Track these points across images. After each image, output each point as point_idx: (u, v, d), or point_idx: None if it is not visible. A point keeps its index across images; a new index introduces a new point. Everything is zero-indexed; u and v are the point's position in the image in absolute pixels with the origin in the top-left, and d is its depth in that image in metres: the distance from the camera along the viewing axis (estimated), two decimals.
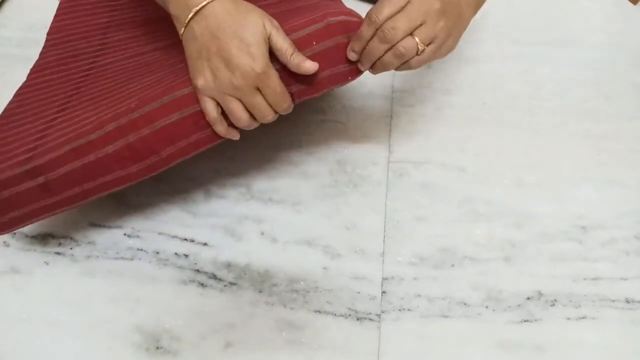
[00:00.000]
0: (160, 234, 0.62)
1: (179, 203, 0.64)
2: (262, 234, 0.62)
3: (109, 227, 0.63)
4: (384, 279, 0.59)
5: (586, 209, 0.63)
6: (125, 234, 0.62)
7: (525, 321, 0.57)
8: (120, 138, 0.54)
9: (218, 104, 0.52)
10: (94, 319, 0.57)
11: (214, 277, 0.59)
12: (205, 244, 0.62)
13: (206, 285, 0.59)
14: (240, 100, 0.51)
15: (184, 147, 0.55)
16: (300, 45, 0.53)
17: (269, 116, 0.53)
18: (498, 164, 0.67)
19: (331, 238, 0.62)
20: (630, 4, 0.85)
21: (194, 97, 0.53)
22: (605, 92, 0.74)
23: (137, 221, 0.63)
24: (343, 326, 0.56)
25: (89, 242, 0.62)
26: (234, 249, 0.61)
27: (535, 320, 0.57)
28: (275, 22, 0.52)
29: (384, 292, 0.58)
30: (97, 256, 0.61)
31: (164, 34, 0.64)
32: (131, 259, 0.61)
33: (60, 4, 0.73)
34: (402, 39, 0.51)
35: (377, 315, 0.57)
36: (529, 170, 0.67)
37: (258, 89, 0.51)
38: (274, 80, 0.51)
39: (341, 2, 0.61)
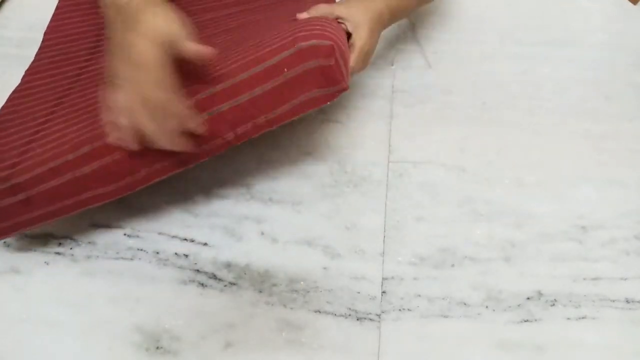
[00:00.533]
0: (160, 234, 0.62)
1: (179, 203, 0.64)
2: (262, 234, 0.62)
3: (109, 227, 0.63)
4: (384, 279, 0.59)
5: (586, 209, 0.64)
6: (125, 234, 0.62)
7: (525, 321, 0.57)
8: (95, 160, 0.54)
9: None
10: (94, 319, 0.57)
11: (214, 277, 0.59)
12: (205, 244, 0.62)
13: (206, 285, 0.59)
14: None
15: (159, 169, 0.56)
16: (271, 73, 0.53)
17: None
18: (498, 164, 0.67)
19: (331, 238, 0.62)
20: (630, 4, 0.85)
21: None
22: (605, 92, 0.74)
23: (137, 221, 0.63)
24: (343, 326, 0.56)
25: (89, 242, 0.62)
26: (234, 249, 0.61)
27: (535, 320, 0.57)
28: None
29: (384, 292, 0.58)
30: (97, 256, 0.61)
31: None
32: (131, 259, 0.61)
33: (58, 3, 0.73)
34: None
35: (377, 315, 0.57)
36: (529, 170, 0.67)
37: None
38: None
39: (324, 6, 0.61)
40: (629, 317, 0.57)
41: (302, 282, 0.59)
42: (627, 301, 0.58)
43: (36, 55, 0.67)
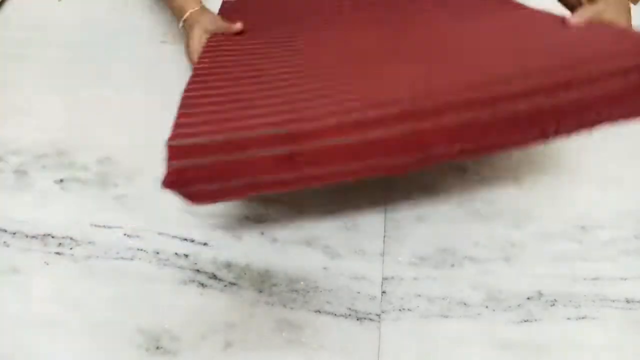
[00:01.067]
0: (160, 234, 0.62)
1: (179, 203, 0.64)
2: (262, 234, 0.62)
3: (109, 227, 0.63)
4: (384, 279, 0.59)
5: (586, 209, 0.63)
6: (125, 234, 0.62)
7: (525, 321, 0.57)
8: (385, 127, 0.48)
9: None
10: (94, 319, 0.57)
11: (214, 277, 0.59)
12: (205, 244, 0.62)
13: (206, 285, 0.59)
14: None
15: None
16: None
17: None
18: (498, 164, 0.67)
19: (331, 238, 0.62)
20: (630, 3, 0.85)
21: None
22: None
23: (137, 221, 0.63)
24: (343, 326, 0.56)
25: (89, 242, 0.62)
26: (234, 249, 0.61)
27: (535, 320, 0.57)
28: None
29: (384, 292, 0.58)
30: (97, 256, 0.61)
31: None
32: (131, 259, 0.61)
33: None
34: None
35: (377, 315, 0.57)
36: (529, 170, 0.67)
37: None
38: None
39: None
40: (629, 317, 0.57)
41: (302, 282, 0.59)
42: (627, 301, 0.58)
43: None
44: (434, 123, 0.49)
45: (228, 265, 0.60)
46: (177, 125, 0.50)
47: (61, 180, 0.66)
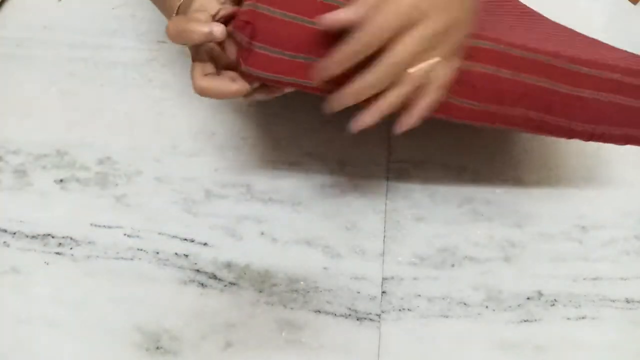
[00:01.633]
0: (160, 234, 0.62)
1: (179, 203, 0.64)
2: (262, 234, 0.62)
3: (109, 227, 0.63)
4: (384, 279, 0.59)
5: (586, 209, 0.63)
6: (125, 234, 0.62)
7: (525, 321, 0.57)
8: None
9: None
10: (94, 319, 0.57)
11: (214, 277, 0.59)
12: (205, 244, 0.62)
13: (206, 285, 0.59)
14: None
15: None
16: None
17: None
18: (498, 164, 0.67)
19: (331, 238, 0.62)
20: (630, 3, 0.85)
21: None
22: None
23: (137, 221, 0.63)
24: (343, 326, 0.56)
25: (89, 242, 0.62)
26: (234, 249, 0.61)
27: (535, 320, 0.57)
28: None
29: (384, 292, 0.58)
30: (97, 256, 0.61)
31: None
32: (131, 259, 0.61)
33: None
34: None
35: (377, 315, 0.57)
36: (529, 170, 0.67)
37: None
38: None
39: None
40: (629, 317, 0.57)
41: (302, 282, 0.59)
42: (627, 301, 0.58)
43: None
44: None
45: (228, 265, 0.60)
46: None
47: (61, 180, 0.66)
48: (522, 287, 0.59)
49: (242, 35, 0.44)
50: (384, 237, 0.62)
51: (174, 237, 0.62)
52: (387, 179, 0.66)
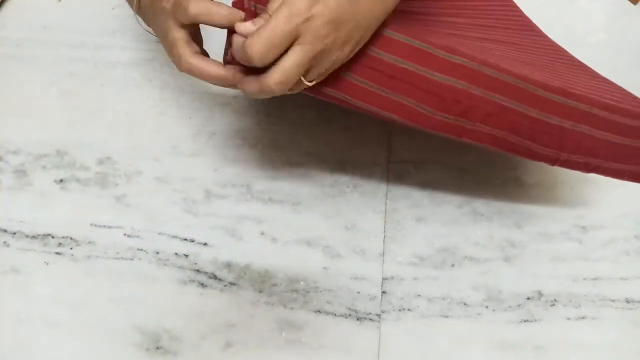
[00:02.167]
0: (160, 234, 0.62)
1: (179, 203, 0.64)
2: (262, 234, 0.62)
3: (109, 227, 0.63)
4: (384, 279, 0.59)
5: (586, 209, 0.63)
6: (125, 234, 0.62)
7: (525, 321, 0.57)
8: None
9: None
10: (94, 319, 0.57)
11: (214, 277, 0.59)
12: (205, 244, 0.62)
13: (206, 285, 0.59)
14: None
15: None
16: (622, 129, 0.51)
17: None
18: (498, 164, 0.67)
19: (331, 238, 0.62)
20: (630, 3, 0.85)
21: None
22: None
23: (137, 221, 0.63)
24: (343, 326, 0.56)
25: (89, 242, 0.62)
26: (234, 249, 0.61)
27: (535, 320, 0.57)
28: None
29: (384, 292, 0.58)
30: (97, 256, 0.61)
31: None
32: (131, 259, 0.61)
33: None
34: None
35: (377, 315, 0.57)
36: (528, 171, 0.67)
37: None
38: None
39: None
40: (629, 317, 0.57)
41: (302, 282, 0.59)
42: (627, 301, 0.58)
43: None
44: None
45: (228, 265, 0.60)
46: None
47: (61, 180, 0.66)
48: (522, 287, 0.59)
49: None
50: (384, 237, 0.62)
51: (174, 237, 0.62)
52: (387, 179, 0.66)
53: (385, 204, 0.64)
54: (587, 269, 0.60)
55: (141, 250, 0.61)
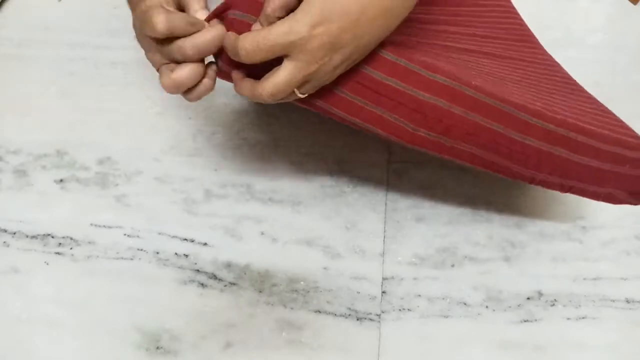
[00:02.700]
0: (160, 234, 0.62)
1: (179, 203, 0.64)
2: (262, 234, 0.62)
3: (109, 227, 0.63)
4: (384, 279, 0.59)
5: (586, 209, 0.63)
6: (125, 234, 0.62)
7: (525, 321, 0.57)
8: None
9: None
10: (94, 319, 0.57)
11: (214, 277, 0.59)
12: (205, 244, 0.62)
13: (206, 285, 0.59)
14: None
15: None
16: (602, 154, 0.52)
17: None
18: None
19: (331, 238, 0.62)
20: (631, 3, 0.85)
21: None
22: (605, 92, 0.73)
23: (137, 221, 0.63)
24: (343, 326, 0.56)
25: (89, 242, 0.62)
26: (234, 249, 0.61)
27: (535, 320, 0.57)
28: None
29: (384, 292, 0.58)
30: (97, 256, 0.61)
31: None
32: (131, 259, 0.61)
33: None
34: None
35: (377, 315, 0.57)
36: None
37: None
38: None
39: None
40: (629, 317, 0.57)
41: (302, 282, 0.59)
42: (627, 301, 0.58)
43: None
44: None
45: (228, 265, 0.60)
46: None
47: (61, 180, 0.66)
48: (522, 287, 0.59)
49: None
50: (384, 237, 0.62)
51: (174, 237, 0.62)
52: (387, 179, 0.66)
53: (385, 204, 0.64)
54: (587, 269, 0.60)
55: (141, 250, 0.61)
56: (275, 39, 0.42)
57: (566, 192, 0.55)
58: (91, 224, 0.63)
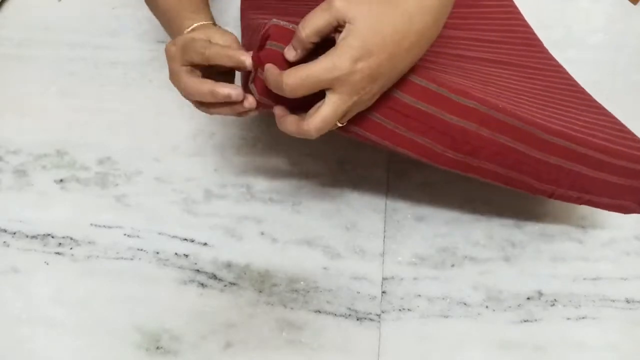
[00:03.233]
0: (160, 234, 0.62)
1: (179, 203, 0.64)
2: (262, 234, 0.62)
3: (109, 227, 0.63)
4: (384, 279, 0.59)
5: (586, 209, 0.63)
6: (125, 234, 0.62)
7: (525, 321, 0.57)
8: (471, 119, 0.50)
9: None
10: (94, 319, 0.57)
11: (214, 277, 0.59)
12: (205, 244, 0.62)
13: (206, 285, 0.59)
14: None
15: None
16: (611, 167, 0.54)
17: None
18: None
19: (331, 238, 0.62)
20: (631, 4, 0.85)
21: None
22: (605, 92, 0.74)
23: (137, 221, 0.63)
24: (343, 326, 0.56)
25: (89, 242, 0.62)
26: (234, 249, 0.61)
27: (535, 320, 0.57)
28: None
29: (384, 292, 0.58)
30: (97, 256, 0.61)
31: None
32: (131, 259, 0.61)
33: None
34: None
35: (377, 315, 0.57)
36: None
37: None
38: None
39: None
40: (629, 317, 0.57)
41: (302, 282, 0.59)
42: (627, 301, 0.58)
43: None
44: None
45: (228, 265, 0.60)
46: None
47: (61, 180, 0.66)
48: (522, 287, 0.59)
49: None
50: (384, 237, 0.62)
51: (174, 237, 0.62)
52: (387, 179, 0.66)
53: (385, 204, 0.64)
54: (587, 269, 0.60)
55: (141, 250, 0.61)
56: (319, 75, 0.43)
57: (582, 204, 0.56)
58: (91, 224, 0.63)
